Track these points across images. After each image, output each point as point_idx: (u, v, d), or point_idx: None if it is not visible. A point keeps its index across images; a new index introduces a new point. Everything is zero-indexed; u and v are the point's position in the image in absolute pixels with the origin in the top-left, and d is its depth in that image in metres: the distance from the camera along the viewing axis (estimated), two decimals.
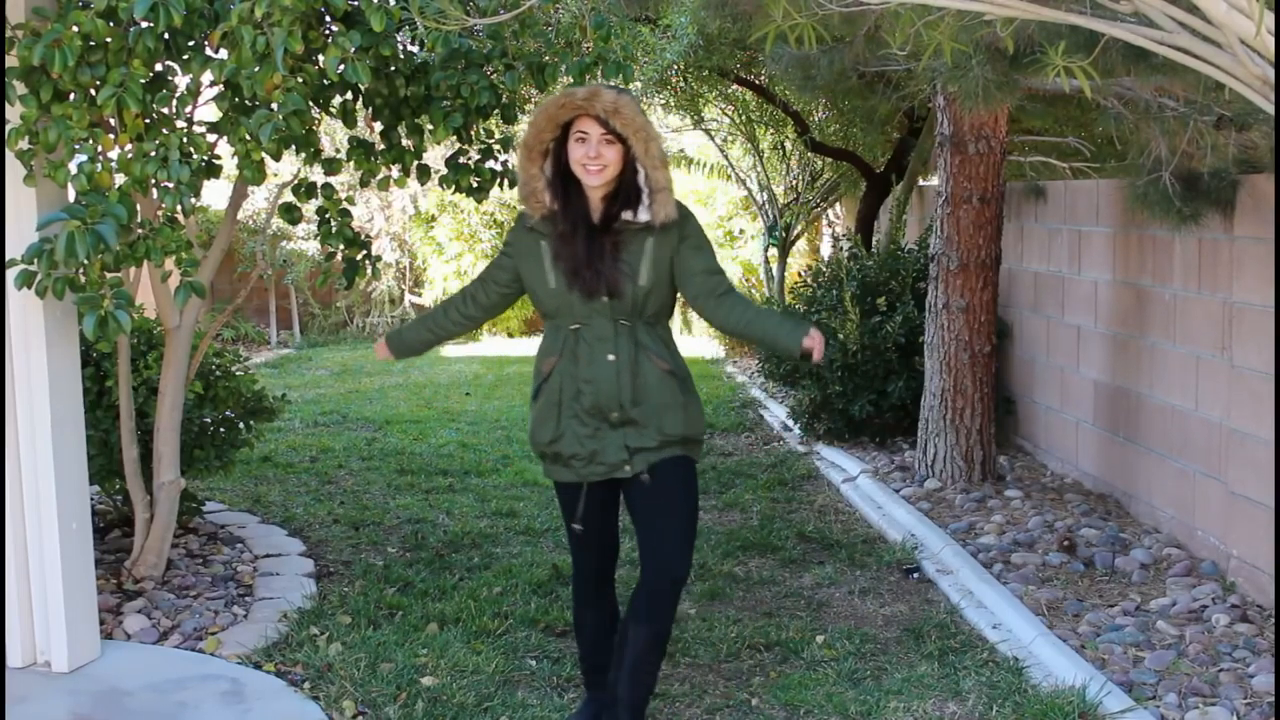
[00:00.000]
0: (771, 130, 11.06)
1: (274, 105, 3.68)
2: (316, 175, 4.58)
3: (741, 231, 13.85)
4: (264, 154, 3.81)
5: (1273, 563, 4.27)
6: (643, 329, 3.24)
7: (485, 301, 3.47)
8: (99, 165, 3.62)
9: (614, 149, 3.16)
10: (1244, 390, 4.56)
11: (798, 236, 11.66)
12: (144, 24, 3.54)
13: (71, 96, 3.62)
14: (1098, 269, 5.99)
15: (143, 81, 3.57)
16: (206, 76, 3.82)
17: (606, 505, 3.37)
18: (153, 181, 3.69)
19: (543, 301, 3.29)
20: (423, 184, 4.63)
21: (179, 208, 3.71)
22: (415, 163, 4.37)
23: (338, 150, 7.00)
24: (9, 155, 3.65)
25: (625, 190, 3.20)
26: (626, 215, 3.19)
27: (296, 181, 4.40)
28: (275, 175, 11.20)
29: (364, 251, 4.53)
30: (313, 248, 13.01)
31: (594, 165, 3.15)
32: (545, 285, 3.25)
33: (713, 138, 11.60)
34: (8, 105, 3.59)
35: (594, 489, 3.30)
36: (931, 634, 4.30)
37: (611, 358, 3.19)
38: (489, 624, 4.35)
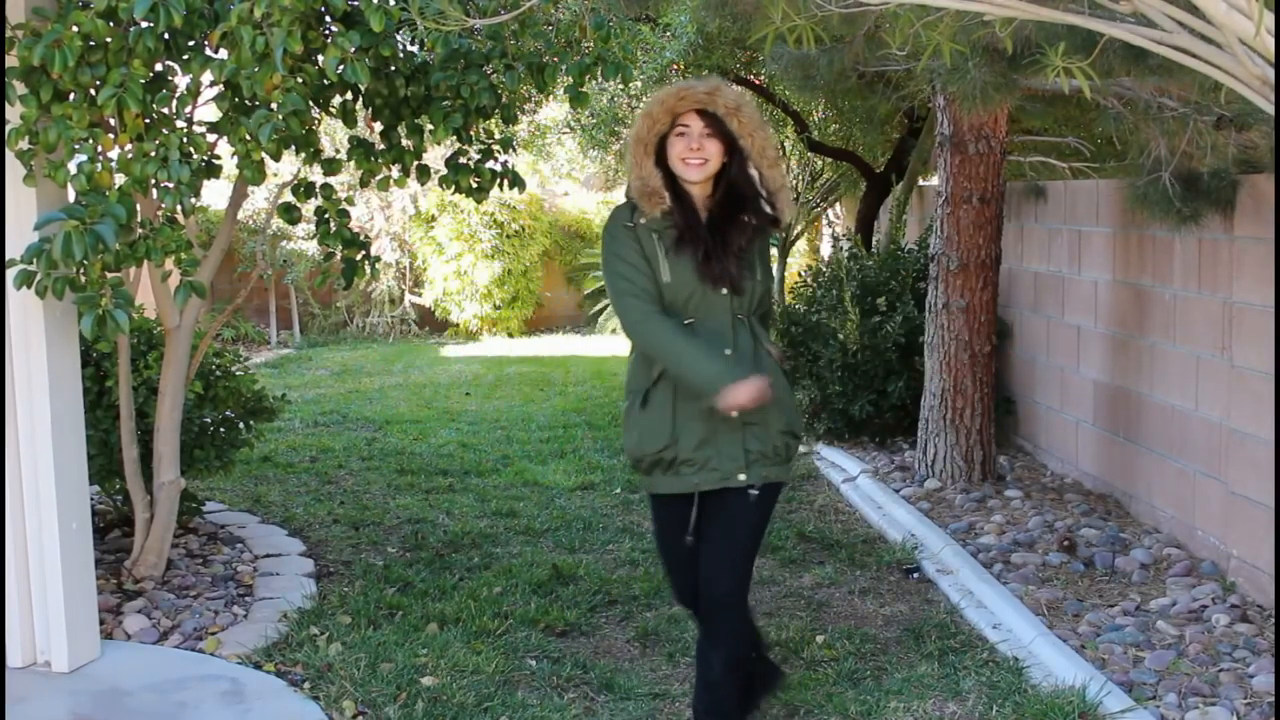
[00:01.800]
0: (771, 130, 11.05)
1: (274, 105, 3.68)
2: (316, 175, 4.58)
3: None
4: (264, 154, 3.81)
5: (1273, 563, 4.27)
6: (755, 323, 3.18)
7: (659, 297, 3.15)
8: (99, 165, 3.62)
9: (715, 144, 3.10)
10: (1244, 390, 4.56)
11: (798, 236, 11.67)
12: (144, 24, 3.54)
13: (71, 96, 3.62)
14: (1098, 269, 5.99)
15: (143, 81, 3.57)
16: (206, 76, 3.82)
17: (683, 523, 3.19)
18: (153, 181, 3.70)
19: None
20: (423, 184, 4.63)
21: (179, 208, 3.71)
22: (415, 163, 4.37)
23: (338, 150, 7.02)
24: (9, 155, 3.65)
25: (729, 188, 3.14)
26: (746, 217, 3.13)
27: (296, 181, 4.40)
28: (275, 175, 11.20)
29: (363, 252, 4.53)
30: (313, 248, 13.00)
31: (695, 159, 3.08)
32: (659, 281, 3.09)
33: None
34: (8, 105, 3.59)
35: (673, 503, 3.16)
36: (931, 634, 4.30)
37: (729, 352, 3.07)
38: (489, 624, 4.35)
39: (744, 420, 3.07)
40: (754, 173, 3.14)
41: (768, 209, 3.16)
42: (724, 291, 3.08)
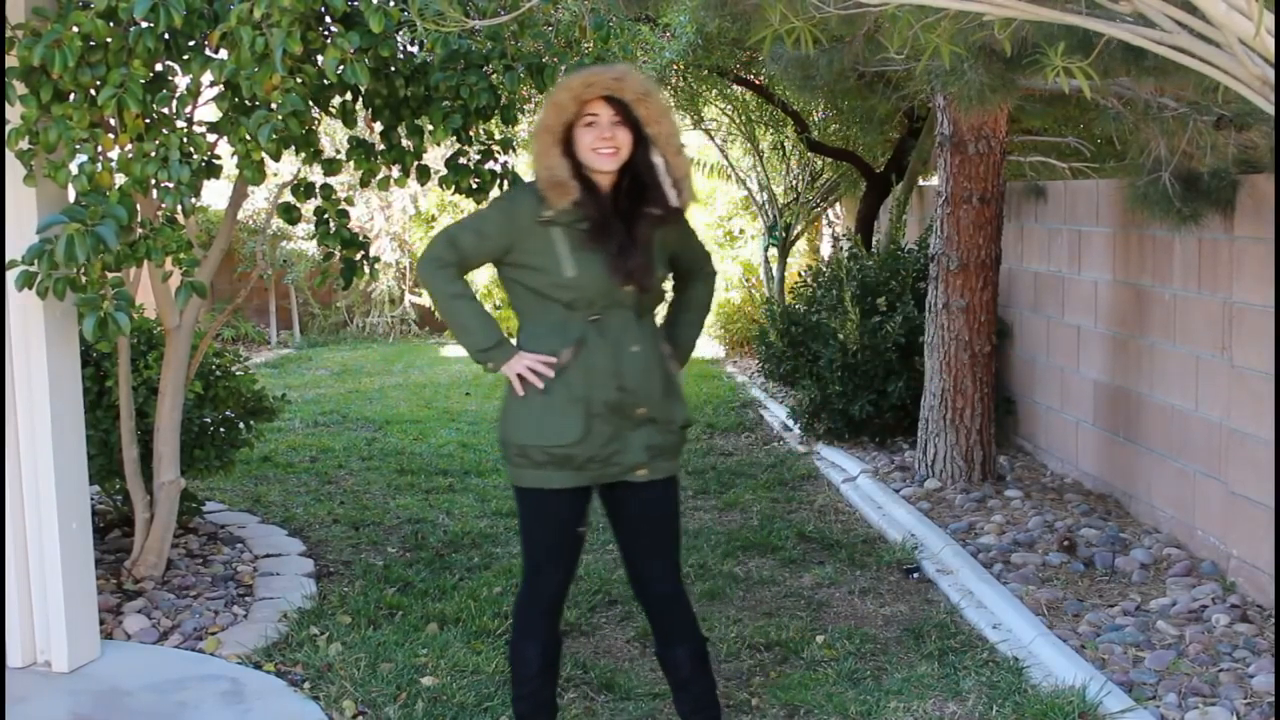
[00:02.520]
0: (771, 130, 11.06)
1: (273, 105, 3.68)
2: (316, 175, 4.58)
3: (741, 231, 13.85)
4: (264, 154, 3.81)
5: (1273, 563, 4.27)
6: (649, 319, 3.12)
7: (471, 268, 3.15)
8: (99, 165, 3.62)
9: (625, 132, 2.98)
10: (1244, 390, 4.56)
11: (798, 236, 11.66)
12: (144, 24, 3.54)
13: (71, 97, 3.62)
14: (1098, 269, 5.99)
15: (143, 81, 3.57)
16: (206, 77, 3.82)
17: (582, 516, 3.14)
18: (153, 181, 3.70)
19: (553, 291, 2.99)
20: (423, 184, 4.63)
21: (179, 208, 3.71)
22: (415, 163, 4.37)
23: (338, 150, 7.00)
24: (9, 155, 3.65)
25: (636, 178, 3.03)
26: (651, 209, 3.02)
27: (296, 181, 4.40)
28: (275, 175, 11.20)
29: (362, 252, 4.53)
30: (313, 248, 13.00)
31: (606, 149, 2.95)
32: (560, 274, 2.96)
33: (712, 137, 11.60)
34: (8, 105, 3.59)
35: (570, 496, 3.06)
36: (931, 634, 4.30)
37: (636, 349, 3.01)
38: (489, 624, 4.35)
39: (649, 417, 3.03)
40: (659, 160, 3.02)
41: (673, 198, 3.04)
42: (629, 289, 2.99)
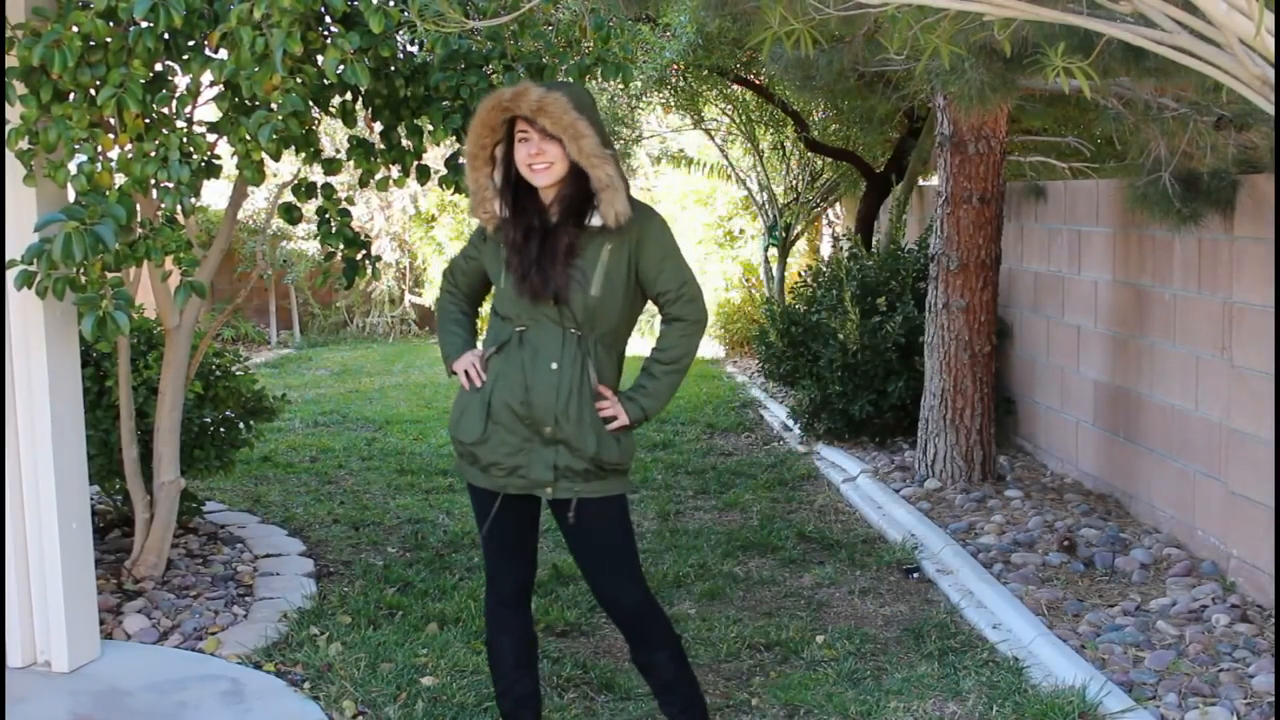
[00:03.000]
0: (771, 130, 11.06)
1: (273, 106, 3.68)
2: (316, 175, 4.58)
3: (741, 231, 13.85)
4: (264, 154, 3.81)
5: (1273, 563, 4.27)
6: (594, 342, 3.01)
7: (472, 298, 3.32)
8: (99, 165, 3.62)
9: (556, 146, 2.94)
10: (1244, 390, 4.56)
11: (798, 236, 11.66)
12: (144, 24, 3.54)
13: (71, 96, 3.62)
14: (1098, 269, 5.99)
15: (143, 81, 3.57)
16: (206, 77, 3.82)
17: (525, 520, 3.14)
18: (153, 181, 3.70)
19: (497, 301, 3.12)
20: (423, 184, 4.63)
21: (179, 208, 3.71)
22: (415, 163, 4.37)
23: (338, 150, 7.01)
24: (9, 155, 3.65)
25: (578, 192, 2.99)
26: (589, 221, 2.98)
27: (296, 181, 4.40)
28: (275, 175, 11.21)
29: (364, 251, 4.53)
30: (313, 248, 13.01)
31: (538, 164, 2.94)
32: (498, 284, 3.07)
33: (712, 137, 11.60)
34: (8, 105, 3.59)
35: (512, 500, 3.09)
36: (931, 634, 4.30)
37: (554, 366, 2.97)
38: None
39: (555, 437, 2.99)
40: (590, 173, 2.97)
41: (599, 212, 2.97)
42: (550, 304, 2.97)
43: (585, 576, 3.20)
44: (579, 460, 3.00)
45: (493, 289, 3.17)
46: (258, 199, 12.70)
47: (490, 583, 3.21)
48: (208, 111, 7.23)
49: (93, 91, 3.61)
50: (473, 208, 3.07)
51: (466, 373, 3.13)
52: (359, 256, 4.52)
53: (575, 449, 2.99)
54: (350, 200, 4.61)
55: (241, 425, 5.41)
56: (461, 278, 3.26)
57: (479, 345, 3.22)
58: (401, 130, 4.32)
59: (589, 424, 3.00)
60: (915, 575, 5.00)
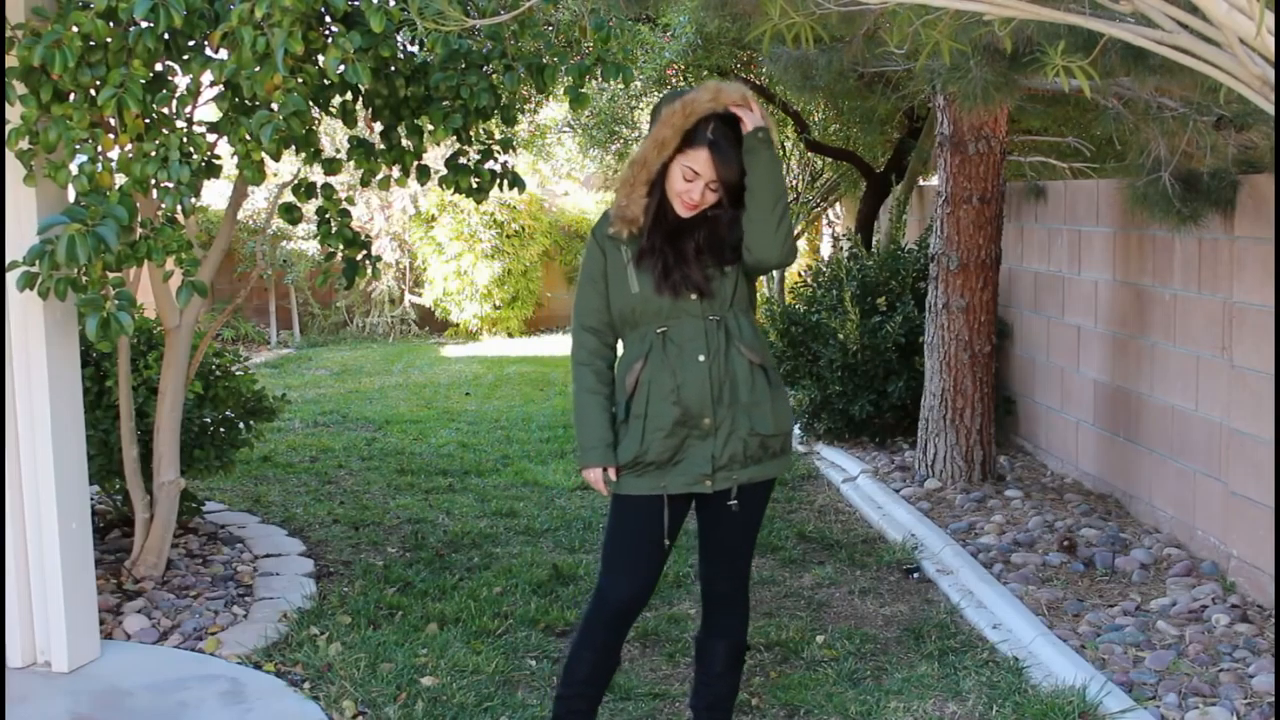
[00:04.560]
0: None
1: (274, 105, 3.68)
2: (316, 175, 4.58)
3: None
4: (264, 154, 3.81)
5: (1273, 563, 4.27)
6: (732, 319, 3.05)
7: (612, 330, 3.15)
8: (99, 165, 3.62)
9: (713, 196, 3.00)
10: (1244, 390, 4.56)
11: (798, 236, 11.66)
12: (144, 24, 3.54)
13: (71, 97, 3.62)
14: (1098, 269, 5.99)
15: (143, 82, 3.57)
16: (206, 77, 3.82)
17: (673, 525, 3.11)
18: (153, 181, 3.70)
19: (624, 309, 3.06)
20: (423, 184, 4.63)
21: (179, 208, 3.71)
22: (415, 163, 4.37)
23: (338, 150, 7.02)
24: (9, 155, 3.65)
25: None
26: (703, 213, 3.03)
27: (296, 181, 4.40)
28: (275, 175, 11.21)
29: (364, 251, 4.53)
30: (313, 248, 13.02)
31: (689, 202, 2.99)
32: (627, 291, 3.04)
33: None
34: (8, 105, 3.59)
35: (661, 503, 3.07)
36: (931, 634, 4.30)
37: (702, 358, 3.00)
38: (489, 624, 4.35)
39: (715, 426, 3.02)
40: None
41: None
42: (692, 298, 3.01)
43: (705, 562, 3.22)
44: (736, 443, 3.03)
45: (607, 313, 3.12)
46: (258, 199, 12.70)
47: (600, 595, 3.15)
48: (208, 111, 7.22)
49: (93, 91, 3.61)
50: (620, 218, 3.03)
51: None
52: (359, 256, 4.52)
53: (734, 431, 3.02)
54: (350, 200, 4.61)
55: (241, 425, 5.41)
56: (595, 316, 3.12)
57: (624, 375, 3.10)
58: (402, 130, 4.32)
59: (742, 402, 3.03)
60: (915, 575, 5.00)
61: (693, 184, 2.96)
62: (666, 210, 3.03)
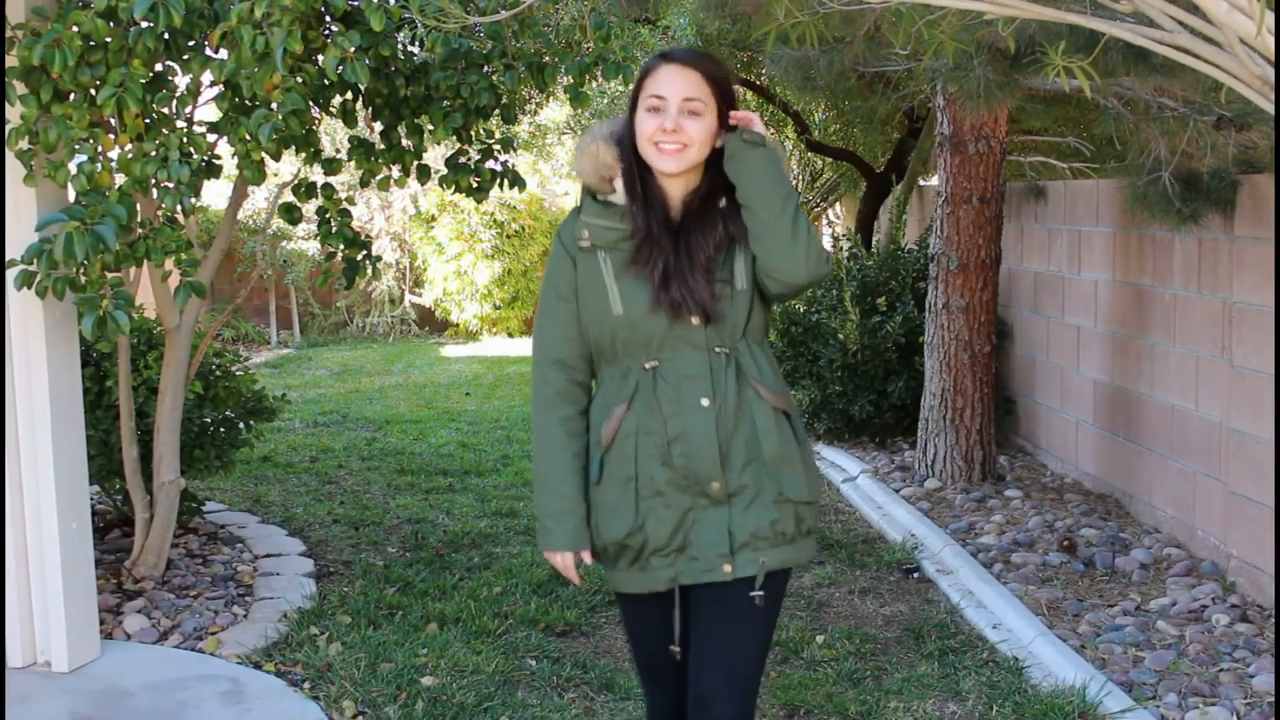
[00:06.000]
0: (771, 130, 11.06)
1: (274, 105, 3.68)
2: (316, 175, 4.58)
3: None
4: (264, 154, 3.81)
5: (1273, 563, 4.27)
6: (745, 353, 2.38)
7: (585, 362, 2.47)
8: (99, 165, 3.62)
9: (701, 123, 2.31)
10: (1244, 390, 4.56)
11: None
12: (144, 24, 3.54)
13: (71, 96, 3.62)
14: (1098, 269, 5.99)
15: (143, 81, 3.57)
16: (206, 76, 3.82)
17: (682, 618, 2.45)
18: (153, 181, 3.69)
19: (603, 336, 2.39)
20: (423, 184, 4.64)
21: (179, 208, 3.71)
22: (415, 163, 4.37)
23: (338, 150, 7.02)
24: (9, 155, 3.65)
25: (715, 178, 2.38)
26: (720, 214, 2.37)
27: (296, 181, 4.40)
28: (275, 175, 11.20)
29: (364, 251, 4.53)
30: (313, 248, 13.02)
31: (670, 144, 2.30)
32: (608, 314, 2.36)
33: None
34: (8, 105, 3.59)
35: (664, 597, 2.43)
36: (931, 634, 4.30)
37: (706, 402, 2.33)
38: (489, 624, 4.35)
39: (729, 492, 2.35)
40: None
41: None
42: (694, 322, 2.33)
43: (694, 664, 2.42)
44: (761, 513, 2.36)
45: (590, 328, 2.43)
46: (258, 199, 12.70)
47: (647, 701, 2.67)
48: (208, 111, 7.22)
49: (93, 91, 3.61)
50: (588, 170, 2.40)
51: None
52: (359, 256, 4.52)
53: (757, 497, 2.36)
54: (350, 200, 4.61)
55: (241, 425, 5.41)
56: (563, 345, 2.43)
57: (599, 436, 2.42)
58: (402, 130, 4.32)
59: (767, 460, 2.36)
60: (915, 575, 5.00)
61: (662, 112, 2.30)
62: (651, 191, 2.37)
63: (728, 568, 2.35)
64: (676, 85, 2.30)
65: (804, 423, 7.37)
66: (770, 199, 2.32)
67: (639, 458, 2.35)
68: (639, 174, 2.36)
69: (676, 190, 2.39)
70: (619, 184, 2.37)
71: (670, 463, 2.34)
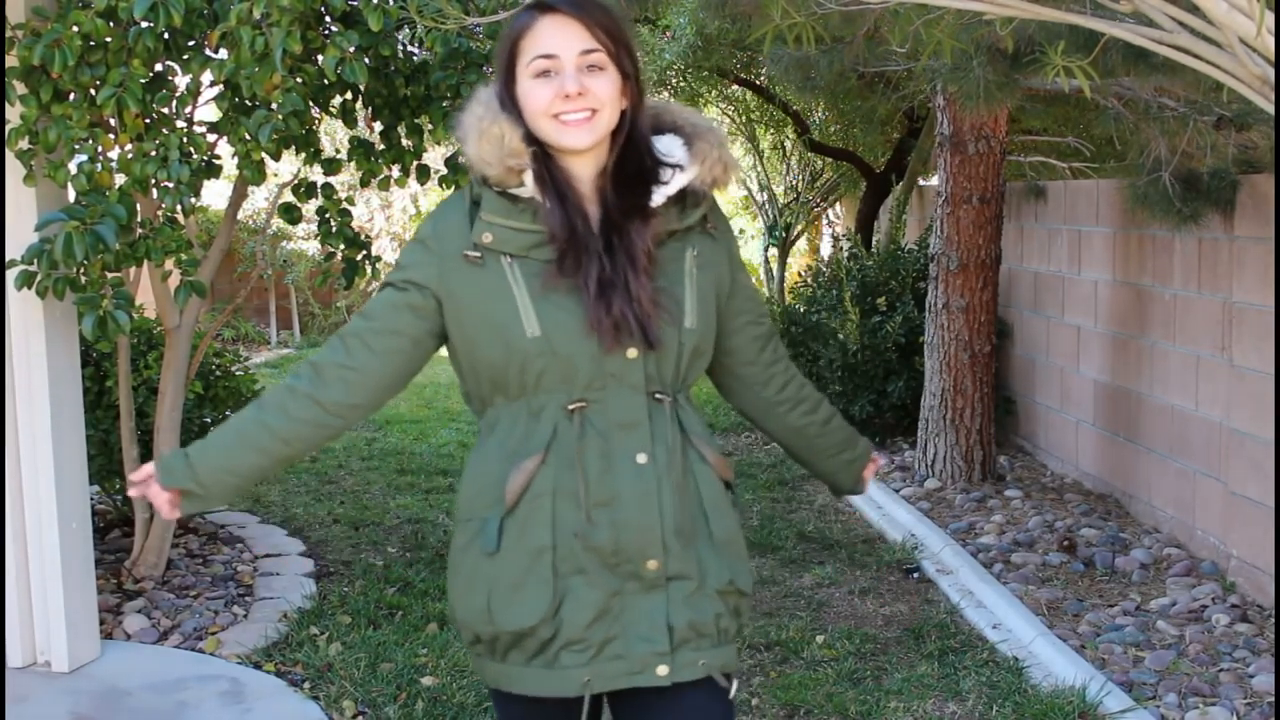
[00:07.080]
0: (771, 130, 11.07)
1: (273, 105, 3.68)
2: (316, 175, 4.58)
3: (741, 231, 13.86)
4: (264, 154, 3.81)
5: (1273, 563, 4.27)
6: (685, 405, 1.92)
7: (366, 376, 1.89)
8: (99, 165, 3.62)
9: (606, 79, 1.81)
10: (1244, 390, 4.56)
11: (798, 236, 11.67)
12: (144, 24, 3.54)
13: (71, 96, 3.62)
14: (1098, 269, 5.99)
15: (143, 81, 3.57)
16: (206, 76, 3.82)
17: None
18: (153, 181, 3.69)
19: (506, 364, 1.83)
20: (423, 184, 4.63)
21: (179, 208, 3.71)
22: (415, 163, 4.37)
23: (338, 150, 7.01)
24: (9, 155, 3.65)
25: (627, 153, 1.87)
26: (657, 196, 1.86)
27: (296, 181, 4.40)
28: (275, 175, 11.20)
29: (364, 251, 4.53)
30: (313, 248, 13.01)
31: (574, 113, 1.79)
32: (517, 336, 1.80)
33: None
34: (8, 105, 3.59)
35: (575, 705, 1.86)
36: (931, 634, 4.30)
37: (643, 459, 1.83)
38: None
39: (668, 574, 1.84)
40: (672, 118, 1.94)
41: (683, 180, 1.87)
42: (631, 354, 1.81)
43: None
44: (705, 606, 1.86)
45: (453, 362, 1.93)
46: (258, 199, 12.69)
47: None
48: (208, 111, 7.22)
49: (93, 91, 3.61)
50: (491, 158, 1.82)
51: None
52: (359, 256, 4.52)
53: (699, 585, 1.86)
54: (350, 200, 4.61)
55: None
56: (377, 337, 1.88)
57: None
58: (401, 130, 4.32)
59: (717, 540, 1.91)
60: (915, 575, 5.00)
61: (557, 74, 1.79)
62: (559, 181, 1.84)
63: (663, 669, 1.82)
64: (567, 38, 1.78)
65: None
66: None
67: (556, 524, 1.82)
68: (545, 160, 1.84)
69: (586, 171, 1.86)
70: (529, 176, 1.82)
71: (593, 534, 1.81)
